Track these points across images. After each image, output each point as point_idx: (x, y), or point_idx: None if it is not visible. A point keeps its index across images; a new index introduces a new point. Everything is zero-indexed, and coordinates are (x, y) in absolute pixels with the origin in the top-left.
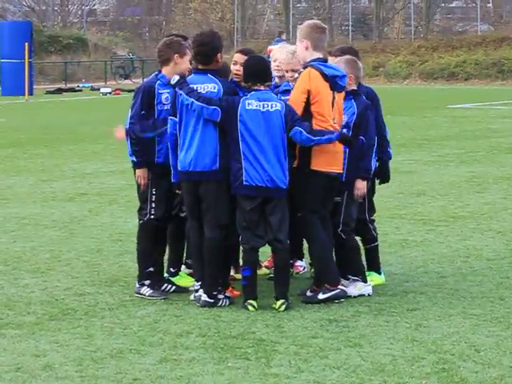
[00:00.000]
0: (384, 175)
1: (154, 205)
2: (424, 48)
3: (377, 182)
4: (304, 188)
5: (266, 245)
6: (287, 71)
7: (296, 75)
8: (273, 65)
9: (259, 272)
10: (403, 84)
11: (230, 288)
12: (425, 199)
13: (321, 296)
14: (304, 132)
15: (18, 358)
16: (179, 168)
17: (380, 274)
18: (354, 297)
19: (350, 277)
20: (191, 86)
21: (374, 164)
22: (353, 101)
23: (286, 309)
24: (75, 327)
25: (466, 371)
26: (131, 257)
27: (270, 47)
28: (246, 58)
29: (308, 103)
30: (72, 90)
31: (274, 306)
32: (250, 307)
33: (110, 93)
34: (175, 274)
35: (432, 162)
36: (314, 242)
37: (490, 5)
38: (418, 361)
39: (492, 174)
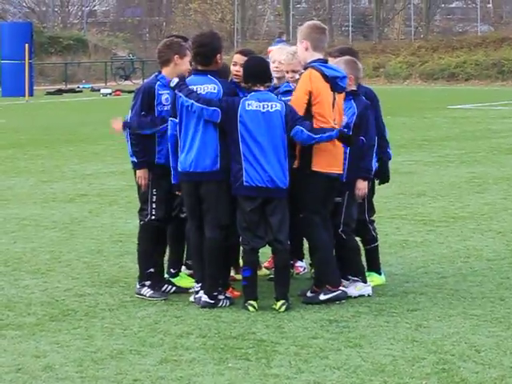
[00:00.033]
0: (383, 176)
1: (154, 205)
2: (424, 49)
3: (376, 182)
4: (304, 189)
5: (267, 245)
6: (287, 72)
7: (296, 76)
8: (272, 66)
9: (259, 273)
10: (403, 85)
11: (231, 289)
12: (425, 200)
13: (322, 297)
14: (305, 130)
15: (19, 358)
16: (180, 169)
17: (380, 274)
18: (354, 297)
19: (349, 277)
20: (191, 87)
21: (375, 164)
22: (353, 101)
23: (286, 309)
24: (75, 328)
25: (466, 371)
26: (131, 258)
27: (270, 48)
28: (245, 58)
29: (309, 104)
30: (72, 90)
31: (274, 306)
32: (251, 308)
33: (110, 94)
34: (175, 275)
35: (432, 162)
36: (316, 243)
37: (490, 5)
38: (418, 361)
39: (492, 174)
